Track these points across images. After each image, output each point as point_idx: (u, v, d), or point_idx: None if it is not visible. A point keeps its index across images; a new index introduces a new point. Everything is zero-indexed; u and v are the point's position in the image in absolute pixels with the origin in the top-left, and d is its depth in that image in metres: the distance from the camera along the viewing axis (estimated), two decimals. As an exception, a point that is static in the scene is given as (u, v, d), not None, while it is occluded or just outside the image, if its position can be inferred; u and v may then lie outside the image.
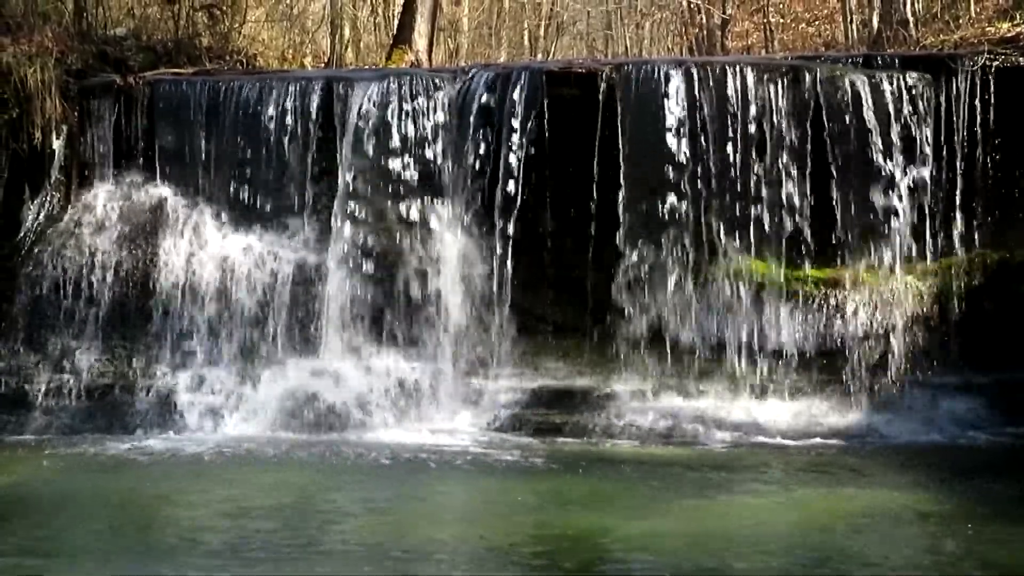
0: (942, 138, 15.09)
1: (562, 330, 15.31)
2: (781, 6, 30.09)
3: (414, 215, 15.42)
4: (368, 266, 15.33)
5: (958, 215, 15.03)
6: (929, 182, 15.03)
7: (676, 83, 15.16)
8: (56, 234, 15.75)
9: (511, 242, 15.14)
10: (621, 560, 9.14)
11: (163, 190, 15.99)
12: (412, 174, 15.50)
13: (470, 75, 16.08)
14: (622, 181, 15.01)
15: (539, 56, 33.39)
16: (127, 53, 17.38)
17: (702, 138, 15.11)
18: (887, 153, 15.00)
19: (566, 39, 37.60)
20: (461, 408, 14.77)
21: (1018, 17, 16.91)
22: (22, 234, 15.95)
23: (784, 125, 15.14)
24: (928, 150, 15.05)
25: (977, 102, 15.05)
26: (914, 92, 15.14)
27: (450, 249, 15.33)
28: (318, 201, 15.77)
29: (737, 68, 15.38)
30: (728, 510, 10.73)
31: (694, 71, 15.30)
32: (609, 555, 9.22)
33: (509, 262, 15.13)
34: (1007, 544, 9.41)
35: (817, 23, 28.94)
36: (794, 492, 11.58)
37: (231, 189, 15.94)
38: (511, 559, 9.06)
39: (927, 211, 15.04)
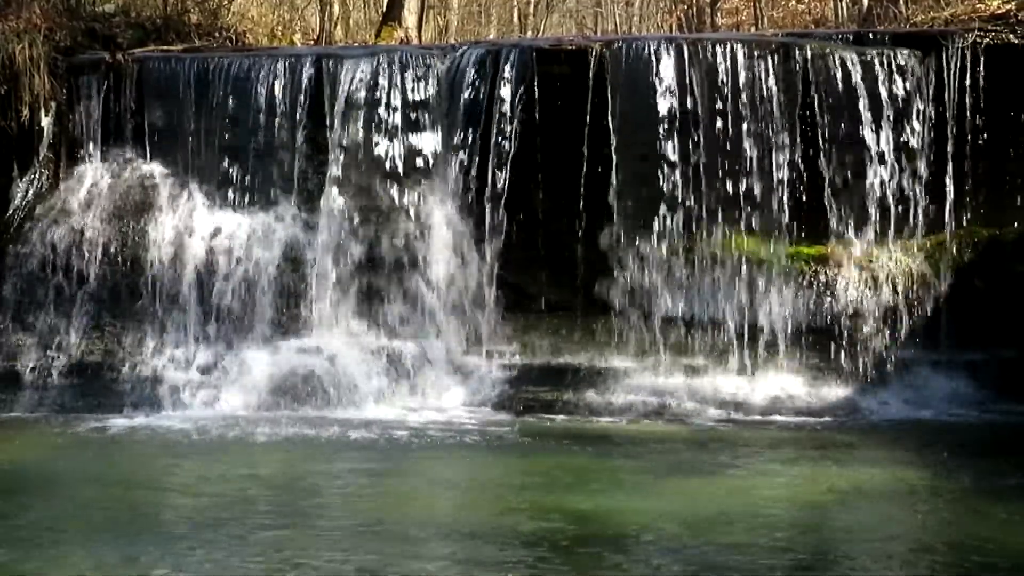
0: (932, 115, 15.08)
1: (553, 307, 15.32)
2: (771, -17, 30.04)
3: (404, 192, 15.40)
4: (358, 243, 15.32)
5: (949, 192, 15.03)
6: (919, 159, 15.03)
7: (666, 60, 15.14)
8: (45, 212, 15.70)
9: (501, 219, 15.13)
10: (613, 537, 9.14)
11: (152, 167, 15.96)
12: (402, 151, 15.46)
13: (460, 52, 16.03)
14: (613, 158, 15.00)
15: (529, 33, 33.31)
16: (116, 30, 17.33)
17: (692, 115, 15.09)
18: (877, 130, 14.99)
19: (555, 17, 37.50)
20: (451, 385, 14.75)
21: (1008, -6, 16.88)
22: (10, 212, 15.92)
23: (774, 102, 15.12)
24: (918, 127, 15.04)
25: (967, 79, 15.03)
26: (904, 69, 15.12)
27: (440, 226, 15.31)
28: (307, 178, 15.75)
29: (727, 45, 15.35)
30: (720, 487, 10.72)
31: (684, 48, 15.26)
32: (600, 532, 9.21)
33: (499, 239, 15.13)
34: (996, 521, 9.42)
35: (807, 0, 28.88)
36: (785, 469, 11.58)
37: (220, 166, 15.90)
38: (501, 537, 9.05)
39: (917, 188, 15.03)
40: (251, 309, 15.17)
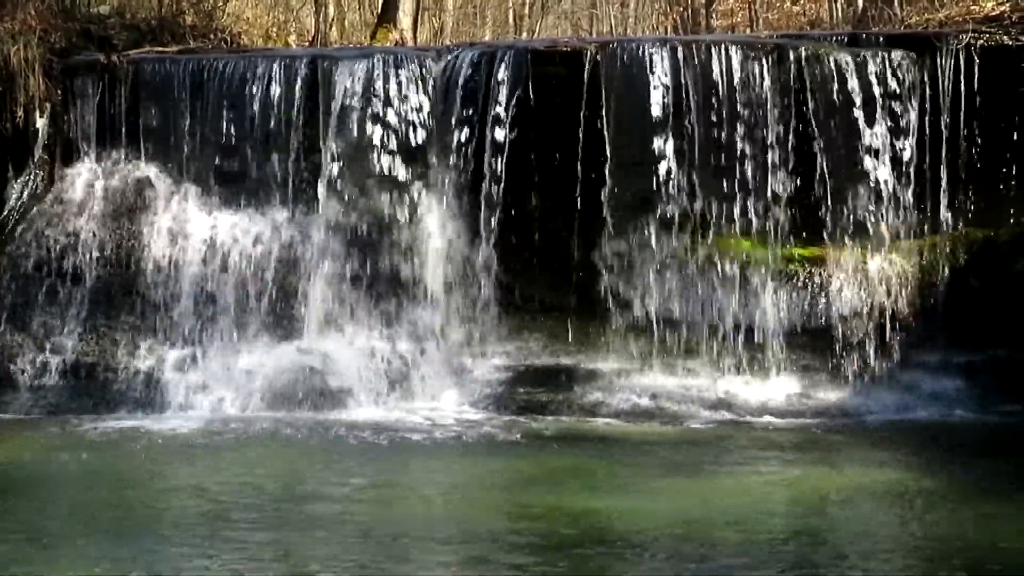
0: (927, 116, 15.09)
1: (548, 308, 15.31)
2: (766, -16, 30.07)
3: (399, 193, 15.39)
4: (353, 244, 15.31)
5: (943, 193, 15.05)
6: (914, 160, 15.04)
7: (661, 61, 15.13)
8: (40, 213, 15.70)
9: (496, 220, 15.13)
10: (607, 538, 9.15)
11: (147, 169, 15.95)
12: (397, 152, 15.46)
13: (455, 53, 16.04)
14: (607, 159, 15.00)
15: (524, 35, 33.34)
16: (111, 31, 17.32)
17: (687, 117, 15.08)
18: (872, 132, 14.99)
19: (551, 18, 37.55)
20: (446, 387, 14.74)
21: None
22: (5, 213, 15.91)
23: (769, 104, 15.12)
24: (913, 128, 15.06)
25: (962, 81, 15.05)
26: (899, 71, 15.13)
27: (435, 227, 15.31)
28: (302, 179, 15.72)
29: (722, 47, 15.34)
30: (713, 488, 10.74)
31: (679, 49, 15.25)
32: (594, 533, 9.22)
33: (494, 240, 15.13)
34: (992, 521, 9.43)
35: (802, 2, 28.90)
36: (779, 470, 11.60)
37: (215, 167, 15.90)
38: (497, 537, 9.06)
39: (912, 189, 15.04)
40: (247, 310, 15.16)
